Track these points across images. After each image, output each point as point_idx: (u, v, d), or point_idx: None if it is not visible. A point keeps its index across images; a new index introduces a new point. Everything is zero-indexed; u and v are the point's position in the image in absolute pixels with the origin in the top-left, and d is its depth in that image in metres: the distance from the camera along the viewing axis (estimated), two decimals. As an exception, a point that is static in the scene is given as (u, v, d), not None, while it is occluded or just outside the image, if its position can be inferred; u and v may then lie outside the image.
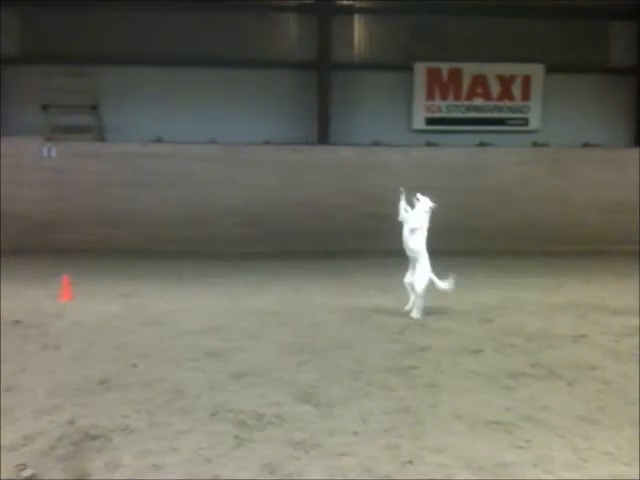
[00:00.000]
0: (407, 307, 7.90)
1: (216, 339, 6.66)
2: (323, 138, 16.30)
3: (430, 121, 16.92)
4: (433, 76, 16.81)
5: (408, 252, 7.80)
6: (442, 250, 14.30)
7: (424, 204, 7.73)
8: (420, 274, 7.68)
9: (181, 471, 3.53)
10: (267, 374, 5.41)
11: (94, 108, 15.69)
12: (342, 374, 5.41)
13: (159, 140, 15.87)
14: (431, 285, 7.75)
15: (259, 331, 7.06)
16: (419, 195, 7.76)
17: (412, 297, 7.82)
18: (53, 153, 15.19)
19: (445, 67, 16.81)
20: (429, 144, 16.54)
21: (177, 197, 15.51)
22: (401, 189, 7.81)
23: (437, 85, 16.85)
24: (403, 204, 7.81)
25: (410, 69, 16.68)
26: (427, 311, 8.03)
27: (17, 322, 7.28)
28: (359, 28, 16.89)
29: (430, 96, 16.87)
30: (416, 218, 7.72)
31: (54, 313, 7.86)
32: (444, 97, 16.89)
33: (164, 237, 15.13)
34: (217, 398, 4.75)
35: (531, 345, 6.49)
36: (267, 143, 16.14)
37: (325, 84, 16.29)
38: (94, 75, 15.57)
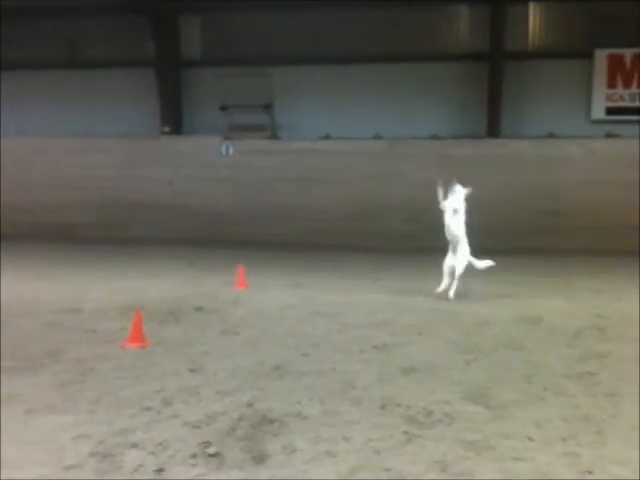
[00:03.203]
0: (439, 289, 8.35)
1: (383, 333, 6.72)
2: (493, 131, 15.78)
3: (611, 111, 15.78)
4: (615, 63, 15.65)
5: (449, 237, 8.38)
6: (618, 249, 13.47)
7: (461, 191, 8.31)
8: (461, 257, 8.33)
9: (353, 460, 3.61)
10: (435, 371, 5.37)
11: (268, 107, 16.40)
12: (514, 376, 5.23)
13: (327, 137, 16.26)
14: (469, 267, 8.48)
15: (425, 327, 7.02)
16: (456, 185, 8.33)
17: (446, 280, 8.37)
18: (231, 151, 16.13)
19: (629, 53, 15.57)
20: (610, 135, 15.41)
21: (344, 192, 15.80)
22: (439, 181, 8.39)
23: (619, 72, 15.66)
24: (440, 193, 8.37)
25: (589, 56, 15.65)
26: (606, 316, 7.56)
27: (199, 308, 7.83)
28: (534, 15, 16.13)
29: (611, 84, 15.72)
30: (454, 202, 8.28)
31: (231, 301, 8.34)
32: (627, 85, 15.66)
33: (331, 231, 15.48)
34: (386, 391, 4.80)
35: None
36: (434, 137, 15.93)
37: (497, 75, 15.75)
38: (269, 75, 16.27)
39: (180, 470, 3.51)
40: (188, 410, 4.39)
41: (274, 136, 16.51)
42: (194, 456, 3.67)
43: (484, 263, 8.60)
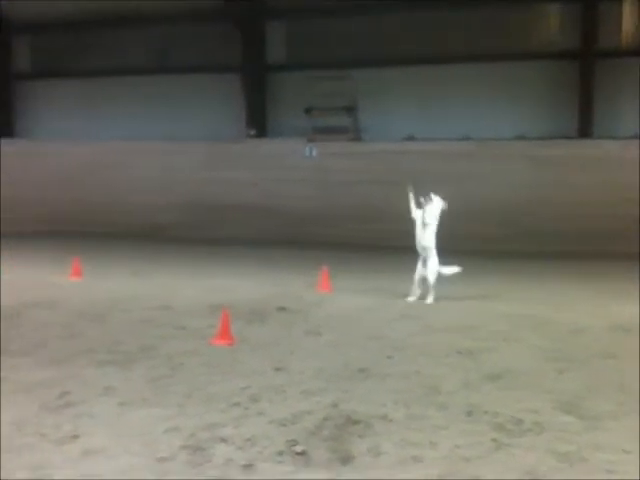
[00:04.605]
0: (410, 299, 8.49)
1: (468, 338, 6.61)
2: (585, 131, 15.22)
3: None
4: None
5: (420, 249, 8.54)
6: None
7: (436, 204, 8.42)
8: (432, 267, 8.46)
9: (441, 466, 3.57)
10: (523, 378, 5.24)
11: (350, 109, 16.43)
12: (607, 386, 5.04)
13: (411, 138, 16.13)
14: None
15: (513, 333, 6.85)
16: (432, 195, 8.42)
17: (416, 289, 8.52)
18: (314, 153, 16.28)
19: None
20: None
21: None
22: (409, 187, 8.59)
23: None
24: (412, 202, 8.57)
25: (687, 53, 14.88)
26: None
27: (282, 309, 7.93)
28: (628, 11, 15.46)
29: None
30: (428, 216, 8.42)
31: (314, 302, 8.41)
32: None
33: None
34: (472, 398, 4.72)
35: None
36: (522, 138, 15.53)
37: (588, 74, 15.19)
38: (353, 77, 16.31)
39: (268, 467, 3.57)
40: (274, 408, 4.46)
41: (357, 138, 16.53)
42: (281, 453, 3.73)
43: (451, 269, 8.64)
